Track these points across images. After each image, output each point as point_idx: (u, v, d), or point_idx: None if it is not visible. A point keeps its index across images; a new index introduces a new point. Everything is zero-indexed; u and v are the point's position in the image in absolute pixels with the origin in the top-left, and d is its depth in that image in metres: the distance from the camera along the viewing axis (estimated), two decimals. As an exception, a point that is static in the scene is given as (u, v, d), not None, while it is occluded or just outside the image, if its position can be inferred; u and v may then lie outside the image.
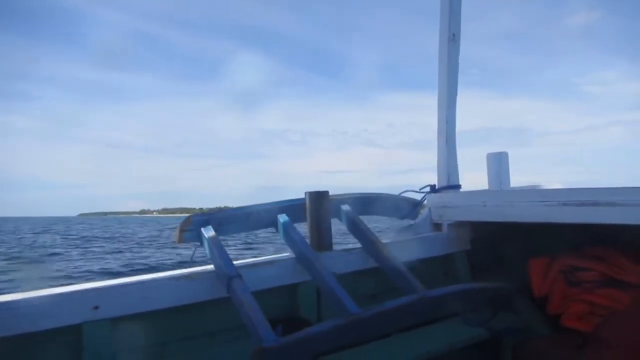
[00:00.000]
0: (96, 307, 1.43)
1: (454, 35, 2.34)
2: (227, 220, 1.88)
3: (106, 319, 1.45)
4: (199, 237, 1.80)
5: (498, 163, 2.45)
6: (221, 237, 1.79)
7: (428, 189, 2.36)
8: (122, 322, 1.48)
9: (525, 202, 1.96)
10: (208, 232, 1.77)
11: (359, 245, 2.00)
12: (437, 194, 2.34)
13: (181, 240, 1.79)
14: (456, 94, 2.39)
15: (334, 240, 1.99)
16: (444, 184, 2.35)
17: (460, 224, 2.28)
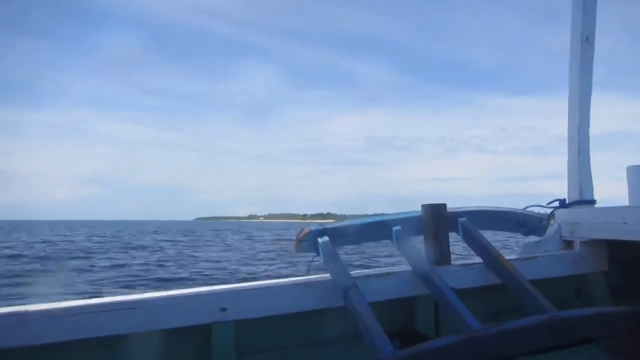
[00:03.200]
0: (223, 309, 1.52)
1: (587, 38, 2.16)
2: (343, 231, 1.91)
3: (231, 320, 1.53)
4: (315, 247, 1.84)
5: None
6: (337, 248, 1.81)
7: (557, 203, 2.18)
8: (245, 325, 1.56)
9: None
10: (325, 243, 1.80)
11: (478, 260, 1.90)
12: (567, 210, 2.15)
13: (299, 249, 1.85)
14: (589, 102, 2.19)
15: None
16: (576, 198, 2.15)
17: (595, 242, 2.07)
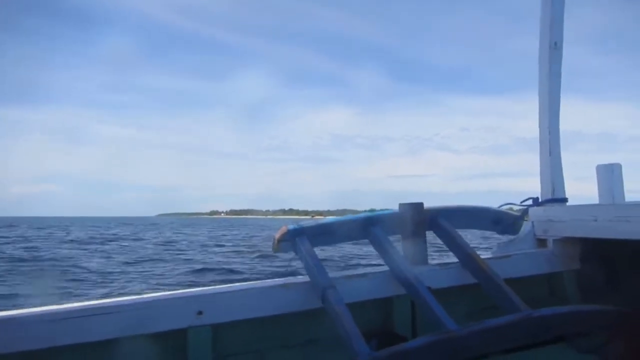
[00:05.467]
0: (200, 313, 1.50)
1: (555, 43, 2.21)
2: (322, 231, 1.89)
3: (208, 324, 1.51)
4: (294, 247, 1.82)
5: (610, 175, 2.23)
6: (316, 248, 1.79)
7: (530, 201, 2.21)
8: (223, 328, 1.54)
9: None
10: (303, 243, 1.79)
11: (455, 259, 1.91)
12: (541, 208, 2.18)
13: (278, 249, 1.82)
14: (559, 103, 2.24)
15: (428, 254, 1.92)
16: (548, 196, 2.18)
17: (567, 240, 2.10)
